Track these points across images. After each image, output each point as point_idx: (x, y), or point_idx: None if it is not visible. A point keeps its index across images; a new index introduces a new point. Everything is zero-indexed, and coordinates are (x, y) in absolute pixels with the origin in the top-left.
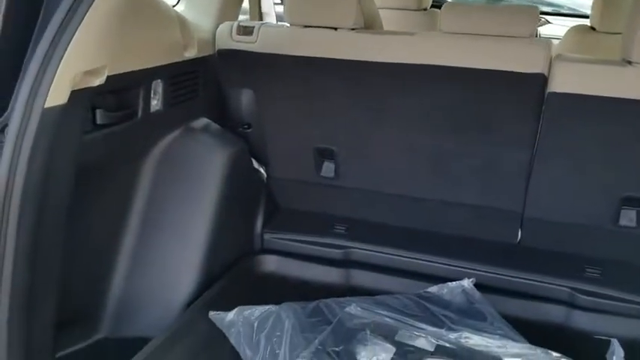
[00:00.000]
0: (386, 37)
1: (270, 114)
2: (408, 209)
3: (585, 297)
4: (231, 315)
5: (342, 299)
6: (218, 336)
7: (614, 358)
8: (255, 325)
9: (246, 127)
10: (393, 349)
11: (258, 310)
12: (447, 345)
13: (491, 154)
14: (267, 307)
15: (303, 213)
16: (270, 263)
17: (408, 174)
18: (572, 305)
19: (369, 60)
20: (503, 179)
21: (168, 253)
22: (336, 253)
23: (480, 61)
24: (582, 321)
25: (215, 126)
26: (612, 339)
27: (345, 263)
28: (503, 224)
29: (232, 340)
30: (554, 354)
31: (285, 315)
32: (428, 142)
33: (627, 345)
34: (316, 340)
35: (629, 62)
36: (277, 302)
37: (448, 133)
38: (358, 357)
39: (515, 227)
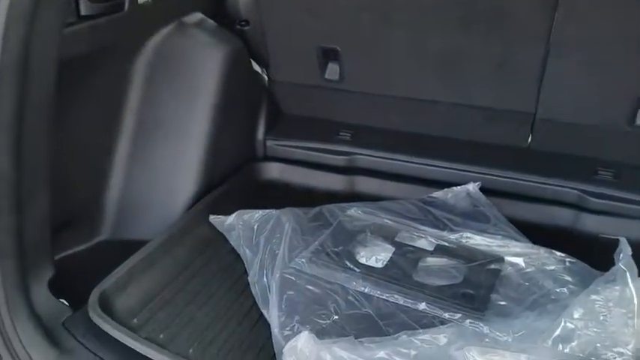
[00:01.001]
0: None
1: (270, 9)
2: (416, 113)
3: (596, 199)
4: (231, 218)
5: (344, 204)
6: (218, 238)
7: (622, 256)
8: (255, 227)
9: (243, 23)
10: (392, 249)
11: (258, 214)
12: (447, 244)
13: (504, 50)
14: (267, 211)
15: (307, 119)
16: (273, 170)
17: (416, 75)
18: (580, 208)
19: None
20: (515, 78)
21: (167, 154)
22: (340, 159)
23: None
24: (590, 224)
25: (210, 22)
26: (621, 237)
27: (350, 170)
28: (514, 127)
29: (232, 242)
30: (558, 253)
31: (286, 218)
32: (438, 41)
33: (636, 246)
34: (316, 242)
35: None
36: (279, 208)
37: (458, 29)
38: (357, 257)
39: (526, 129)
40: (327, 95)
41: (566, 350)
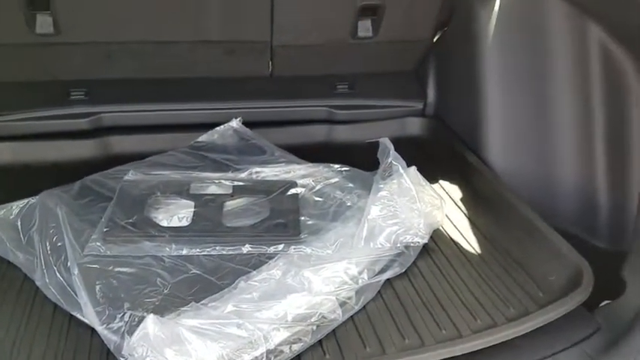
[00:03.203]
0: None
1: None
2: (154, 56)
3: (341, 111)
4: None
5: (108, 171)
6: None
7: (388, 153)
8: (19, 223)
9: None
10: (192, 203)
11: (15, 207)
12: (242, 183)
13: None
14: (24, 200)
15: (26, 85)
16: (3, 152)
17: (144, 15)
18: (331, 122)
19: None
20: (247, 7)
21: None
22: (80, 123)
23: None
24: (344, 134)
25: None
26: (382, 138)
27: (97, 132)
28: (254, 57)
29: None
30: (335, 166)
31: (53, 203)
32: None
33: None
34: (103, 218)
35: None
36: (29, 196)
37: None
38: (157, 221)
39: (265, 58)
40: (44, 52)
41: (377, 245)
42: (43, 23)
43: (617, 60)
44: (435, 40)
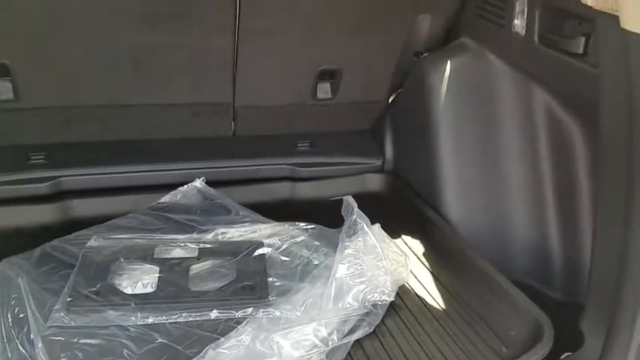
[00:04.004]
0: None
1: None
2: (114, 119)
3: (303, 169)
4: None
5: (69, 236)
6: None
7: (352, 210)
8: None
9: None
10: (156, 268)
11: None
12: (209, 246)
13: (193, 44)
14: None
15: None
16: None
17: (107, 79)
18: (294, 179)
19: None
20: (210, 71)
21: None
22: (40, 187)
23: None
24: (306, 190)
25: None
26: (346, 196)
27: (56, 196)
28: (217, 118)
29: None
30: (301, 224)
31: (12, 272)
32: (125, 39)
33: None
34: (66, 288)
35: None
36: None
37: (141, 24)
38: (122, 288)
39: (228, 119)
40: (2, 118)
41: (345, 305)
42: (3, 89)
43: (563, 122)
44: (390, 100)
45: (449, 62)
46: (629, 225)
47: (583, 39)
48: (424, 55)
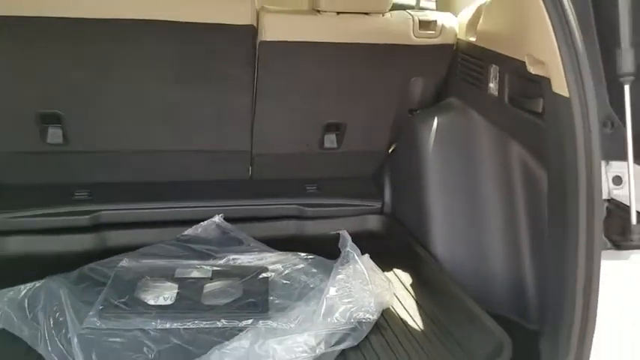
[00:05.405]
0: None
1: None
2: (148, 163)
3: (310, 208)
4: None
5: (105, 260)
6: None
7: (346, 243)
8: (26, 303)
9: None
10: (175, 286)
11: (23, 289)
12: (220, 269)
13: (217, 101)
14: (30, 284)
15: (36, 187)
16: (12, 244)
17: (141, 129)
18: (301, 218)
19: (87, 17)
20: (231, 123)
21: None
22: (82, 219)
23: (192, 15)
24: (312, 228)
25: None
26: (341, 231)
27: (95, 228)
28: (236, 163)
29: (1, 324)
30: (302, 254)
31: (56, 286)
32: (157, 95)
33: (351, 235)
34: (100, 297)
35: (318, 11)
36: (31, 281)
37: (174, 84)
38: (146, 301)
39: (246, 164)
40: (54, 159)
41: (333, 320)
42: (54, 135)
43: (534, 171)
44: (389, 151)
45: (436, 118)
46: (567, 257)
47: (541, 100)
48: (417, 112)
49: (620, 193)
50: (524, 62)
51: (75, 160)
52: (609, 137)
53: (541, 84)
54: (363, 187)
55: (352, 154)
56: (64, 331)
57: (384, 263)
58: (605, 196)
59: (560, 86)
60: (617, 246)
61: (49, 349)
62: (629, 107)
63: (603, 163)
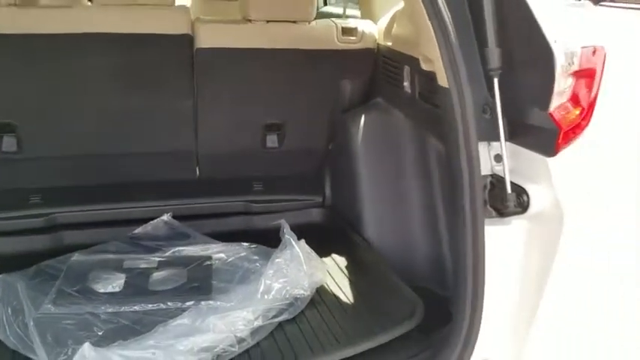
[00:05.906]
0: (46, 10)
1: None
2: (101, 167)
3: (256, 205)
4: None
5: (60, 257)
6: None
7: (285, 230)
8: None
9: None
10: (124, 275)
11: None
12: (165, 259)
13: (162, 106)
14: None
15: None
16: None
17: (93, 135)
18: (248, 213)
19: (34, 33)
20: (176, 127)
21: None
22: (38, 221)
23: (133, 27)
24: (258, 222)
25: None
26: (281, 220)
27: (51, 229)
28: (184, 164)
29: None
30: (245, 244)
31: (12, 280)
32: (105, 103)
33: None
34: (54, 288)
35: (249, 20)
36: None
37: (118, 93)
38: (96, 289)
39: (193, 165)
40: (7, 166)
41: (270, 297)
42: (8, 143)
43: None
44: (329, 147)
45: (364, 117)
46: (458, 226)
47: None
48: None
49: (500, 169)
50: None
51: (29, 166)
52: (488, 122)
53: (433, 79)
54: (305, 182)
55: (294, 153)
56: (20, 317)
57: (323, 249)
58: (487, 172)
59: (442, 79)
60: (501, 214)
61: (7, 332)
62: (499, 96)
63: (485, 143)
